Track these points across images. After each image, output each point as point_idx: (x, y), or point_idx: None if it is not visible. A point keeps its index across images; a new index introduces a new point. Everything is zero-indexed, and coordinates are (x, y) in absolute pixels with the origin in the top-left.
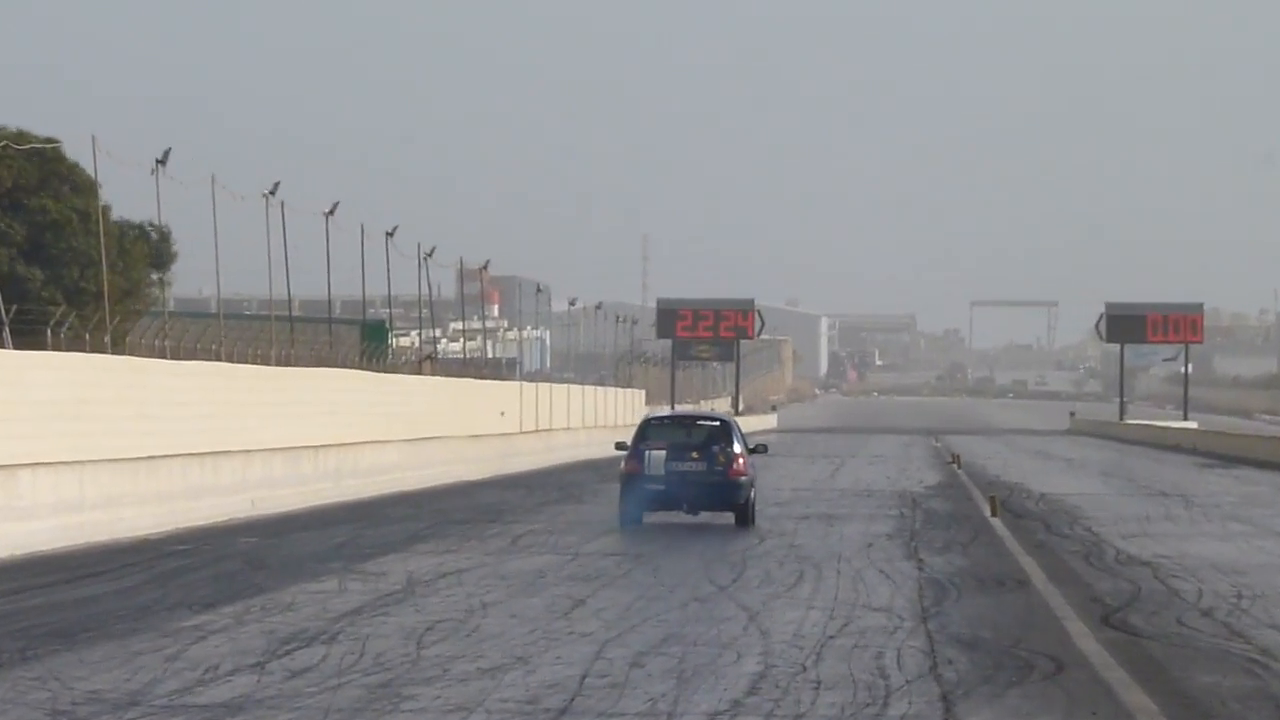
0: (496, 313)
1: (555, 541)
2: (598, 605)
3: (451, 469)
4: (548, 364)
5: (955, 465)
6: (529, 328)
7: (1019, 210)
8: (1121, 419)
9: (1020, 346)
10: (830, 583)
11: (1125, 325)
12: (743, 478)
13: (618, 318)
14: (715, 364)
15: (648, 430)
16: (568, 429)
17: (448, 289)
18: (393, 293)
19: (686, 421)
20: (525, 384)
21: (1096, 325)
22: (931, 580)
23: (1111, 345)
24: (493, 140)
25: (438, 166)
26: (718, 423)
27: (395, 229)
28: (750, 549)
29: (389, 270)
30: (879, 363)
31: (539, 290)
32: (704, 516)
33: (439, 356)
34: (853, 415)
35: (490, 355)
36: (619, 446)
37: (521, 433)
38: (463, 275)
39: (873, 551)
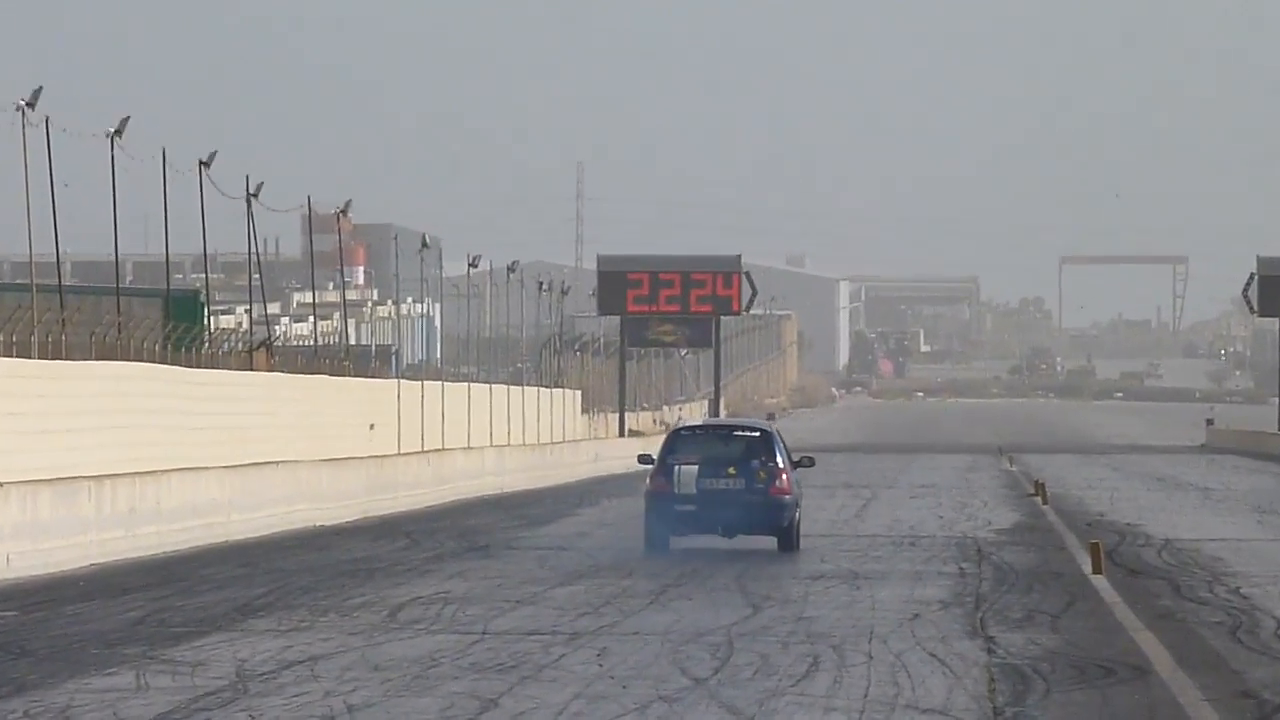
0: (362, 278)
1: (453, 615)
2: (516, 708)
3: (298, 509)
4: (438, 353)
5: (1039, 498)
6: (410, 300)
7: (1128, 130)
8: None
9: (1132, 324)
10: (858, 673)
11: None
12: (786, 496)
13: (540, 284)
14: (686, 352)
15: (677, 442)
16: (468, 449)
17: (291, 245)
18: (211, 251)
19: (722, 432)
20: (406, 383)
21: (1245, 291)
22: (1007, 668)
23: (1268, 321)
24: (356, 53)
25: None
26: (758, 433)
27: (213, 156)
28: (740, 623)
29: (204, 218)
30: (925, 348)
31: (425, 245)
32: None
33: (279, 343)
34: (888, 426)
35: (354, 341)
36: (642, 460)
37: (401, 455)
38: (311, 223)
39: (919, 626)
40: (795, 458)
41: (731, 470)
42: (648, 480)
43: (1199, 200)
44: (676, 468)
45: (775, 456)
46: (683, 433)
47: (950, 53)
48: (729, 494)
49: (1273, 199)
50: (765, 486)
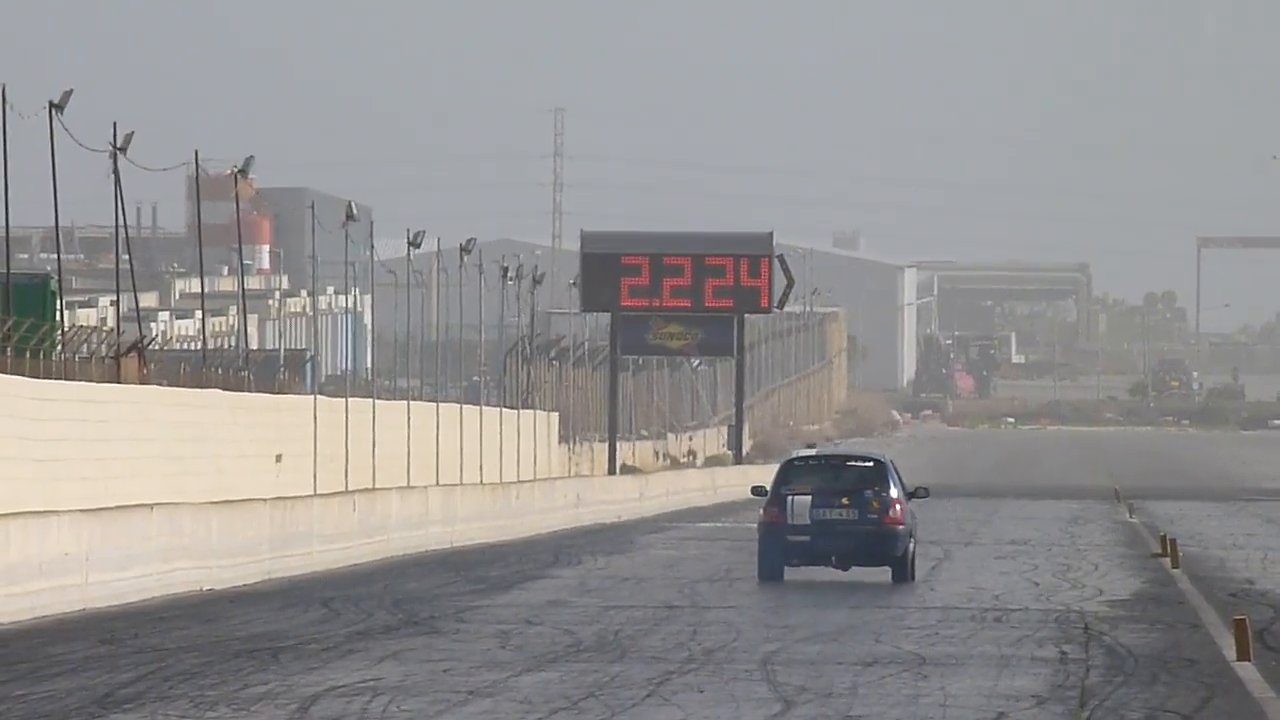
0: (267, 261)
1: (384, 710)
2: None
3: (180, 567)
4: (368, 361)
5: (1167, 559)
6: (331, 290)
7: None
8: None
9: None
10: None
11: None
12: (900, 527)
13: (506, 270)
14: (699, 362)
15: (790, 472)
16: (406, 489)
17: (173, 216)
18: (67, 223)
19: (835, 462)
20: (325, 400)
21: None
22: None
23: None
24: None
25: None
26: (871, 463)
27: (68, 97)
28: None
29: (56, 180)
30: (1018, 358)
31: (350, 217)
32: (855, 573)
33: (155, 346)
34: (967, 461)
35: (256, 344)
36: (756, 491)
37: (317, 496)
38: (199, 187)
39: None
40: (910, 488)
41: (845, 500)
42: (761, 510)
43: None
44: (790, 498)
45: (890, 487)
46: (795, 463)
47: None
48: (843, 524)
49: None
50: (879, 517)
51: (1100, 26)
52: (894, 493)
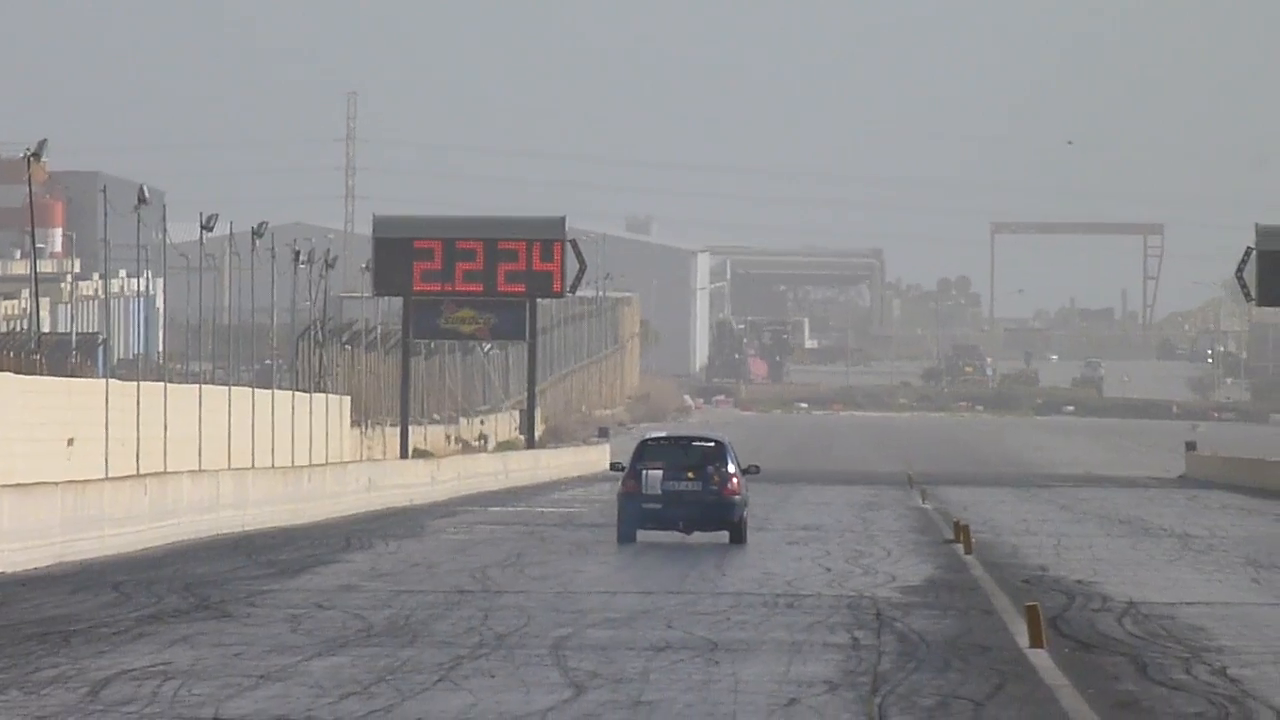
0: (60, 244)
1: (174, 694)
2: None
3: None
4: (160, 344)
5: (960, 545)
6: (123, 274)
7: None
8: None
9: (1090, 313)
10: None
11: None
12: (736, 497)
13: (298, 254)
14: (491, 346)
15: (645, 450)
16: (198, 473)
17: None
18: None
19: (682, 442)
20: (117, 383)
21: (1239, 272)
22: None
23: (1269, 312)
24: None
25: None
26: (713, 443)
27: None
28: (557, 709)
29: None
30: (811, 343)
31: (142, 200)
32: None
33: None
34: (759, 447)
35: (48, 327)
36: (614, 467)
37: (109, 479)
38: None
39: (798, 715)
40: (744, 465)
41: (691, 474)
42: (620, 483)
43: (1177, 154)
44: (644, 472)
45: (728, 463)
46: (650, 442)
47: None
48: (689, 494)
49: (1275, 150)
50: (719, 488)
51: (893, 10)
52: (731, 468)
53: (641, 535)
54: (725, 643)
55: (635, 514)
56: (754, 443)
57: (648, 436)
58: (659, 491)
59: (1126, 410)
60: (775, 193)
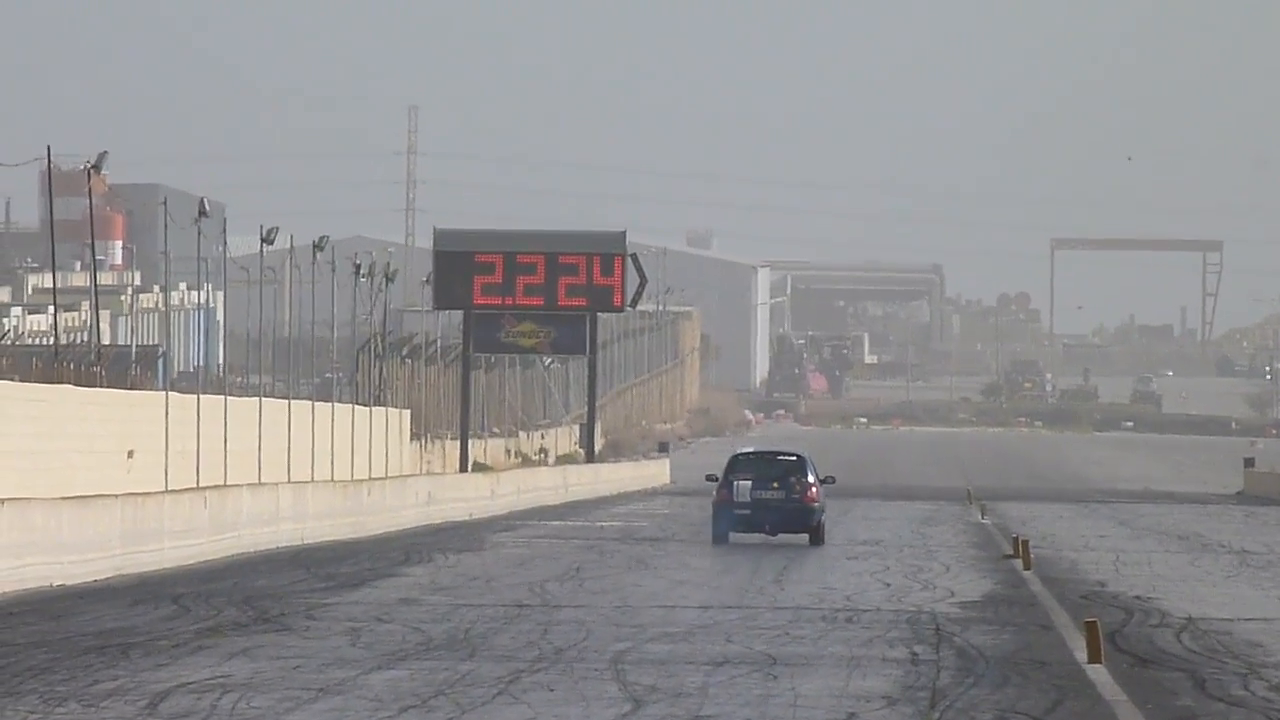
0: (120, 257)
1: (233, 707)
2: None
3: (29, 563)
4: (220, 357)
5: (1019, 561)
6: (184, 286)
7: (1141, 82)
8: None
9: (1148, 330)
10: None
11: None
12: (815, 504)
13: (358, 267)
14: (551, 360)
15: (736, 463)
16: (258, 486)
17: (27, 211)
18: None
19: (768, 456)
20: (177, 396)
21: None
22: None
23: None
24: None
25: (15, 12)
26: (795, 457)
27: None
28: None
29: None
30: (871, 358)
31: (203, 213)
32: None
33: (8, 340)
34: (821, 461)
35: (108, 339)
36: (709, 479)
37: (169, 492)
38: (51, 182)
39: None
40: (822, 476)
41: (775, 484)
42: (714, 492)
43: (1237, 171)
44: (735, 483)
45: (807, 474)
46: (740, 457)
47: None
48: (774, 502)
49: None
50: (800, 496)
51: (952, 24)
52: (810, 479)
53: (733, 537)
54: (784, 657)
55: (728, 519)
56: (816, 453)
57: (738, 451)
58: (748, 499)
59: (1185, 426)
60: (835, 208)
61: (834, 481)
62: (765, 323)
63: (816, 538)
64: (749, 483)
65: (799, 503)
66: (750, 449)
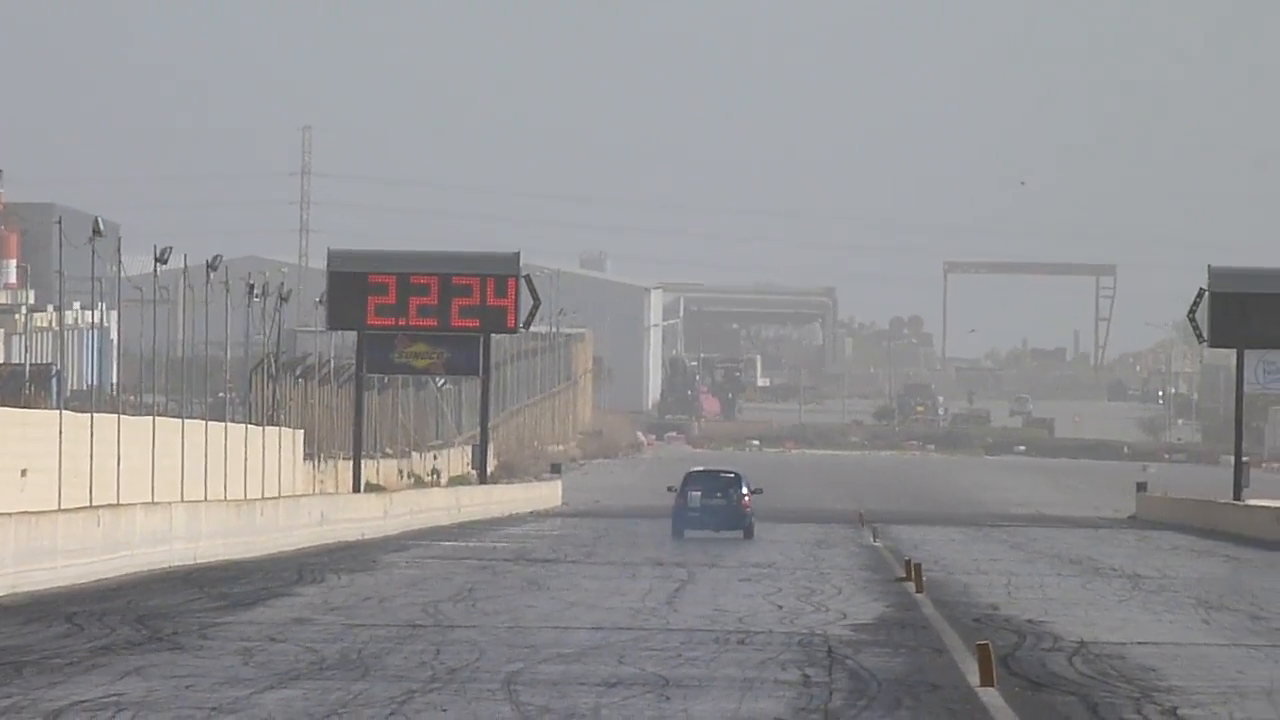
0: (14, 276)
1: None
2: None
3: None
4: (114, 376)
5: (911, 584)
6: (78, 306)
7: (1031, 108)
8: (1238, 497)
9: (1041, 354)
10: None
11: (1247, 313)
12: (748, 510)
13: (252, 287)
14: (444, 381)
15: (690, 479)
16: (151, 505)
17: None
18: None
19: (713, 472)
20: (70, 415)
21: (1191, 313)
22: None
23: (1220, 353)
24: None
25: None
26: (733, 474)
27: None
28: None
29: None
30: (764, 381)
31: (97, 233)
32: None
33: None
34: None
35: (1, 359)
36: (670, 489)
37: (62, 511)
38: None
39: None
40: (753, 488)
41: (719, 494)
42: (674, 499)
43: (1131, 194)
44: (689, 492)
45: (742, 487)
46: (692, 473)
47: (803, 1)
48: (718, 507)
49: (1227, 192)
50: (737, 504)
51: (843, 48)
52: (745, 490)
53: (686, 533)
54: (677, 679)
55: (684, 519)
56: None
57: (691, 470)
58: (699, 505)
59: (1077, 450)
60: (729, 230)
61: (761, 491)
62: (658, 345)
63: (749, 533)
64: (699, 493)
65: (736, 508)
66: (700, 468)
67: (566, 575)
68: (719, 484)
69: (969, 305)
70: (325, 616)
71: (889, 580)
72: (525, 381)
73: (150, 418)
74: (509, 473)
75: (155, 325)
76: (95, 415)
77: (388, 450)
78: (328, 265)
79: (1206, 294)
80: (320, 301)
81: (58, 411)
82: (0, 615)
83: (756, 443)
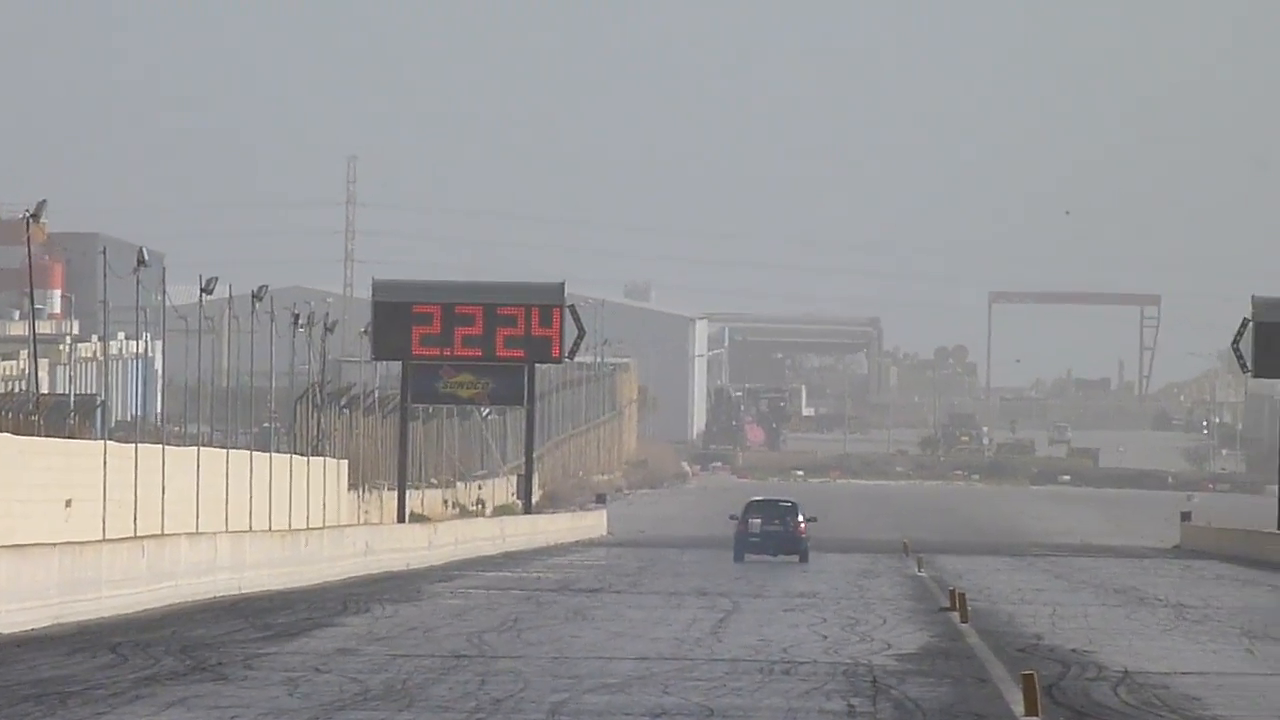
0: (59, 306)
1: None
2: None
3: None
4: (158, 407)
5: (956, 613)
6: (122, 336)
7: (1080, 134)
8: None
9: (1086, 384)
10: None
11: None
12: (803, 535)
13: (296, 317)
14: (489, 411)
15: (750, 507)
16: (195, 535)
17: None
18: None
19: (772, 501)
20: (115, 445)
21: (1235, 343)
22: None
23: (1264, 383)
24: (44, 10)
25: None
26: (789, 503)
27: None
28: None
29: None
30: (808, 411)
31: (142, 263)
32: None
33: None
34: None
35: (46, 389)
36: (732, 517)
37: (106, 541)
38: None
39: None
40: (808, 516)
41: (777, 521)
42: (735, 525)
43: (1176, 225)
44: (749, 519)
45: (798, 515)
46: (753, 501)
47: (847, 30)
48: (776, 533)
49: (1271, 222)
50: (793, 530)
51: (887, 77)
52: (800, 518)
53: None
54: (721, 709)
55: (744, 544)
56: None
57: (753, 498)
58: (759, 531)
59: (1122, 480)
60: (774, 260)
61: (815, 520)
62: (703, 374)
63: (804, 557)
64: (759, 520)
65: (793, 534)
66: (760, 497)
67: (611, 605)
68: (778, 511)
69: (1013, 335)
70: (370, 647)
71: (933, 610)
72: (570, 411)
73: (195, 448)
74: (554, 503)
75: (200, 355)
76: (140, 445)
77: (433, 480)
78: (373, 295)
79: (1250, 324)
80: (365, 331)
81: (102, 442)
82: (45, 645)
83: (801, 472)
